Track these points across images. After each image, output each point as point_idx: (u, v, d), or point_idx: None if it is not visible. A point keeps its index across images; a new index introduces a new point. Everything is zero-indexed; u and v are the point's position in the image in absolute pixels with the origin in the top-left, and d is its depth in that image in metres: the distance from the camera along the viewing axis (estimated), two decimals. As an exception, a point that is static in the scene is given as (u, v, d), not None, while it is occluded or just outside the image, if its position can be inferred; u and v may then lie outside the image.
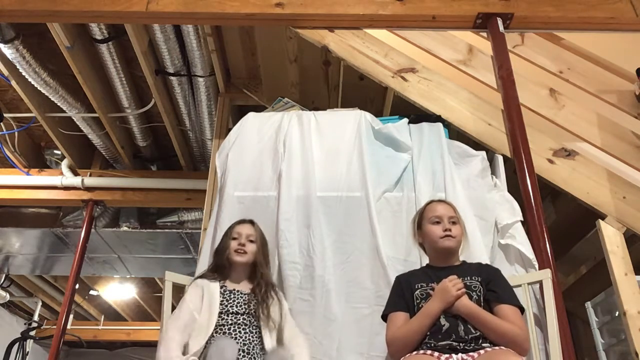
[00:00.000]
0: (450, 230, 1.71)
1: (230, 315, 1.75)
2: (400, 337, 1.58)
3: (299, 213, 2.14)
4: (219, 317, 1.73)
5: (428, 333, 1.55)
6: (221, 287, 1.82)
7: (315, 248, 2.06)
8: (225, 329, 1.72)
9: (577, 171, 2.29)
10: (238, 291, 1.82)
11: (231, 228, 1.95)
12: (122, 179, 4.30)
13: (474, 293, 1.59)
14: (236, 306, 1.77)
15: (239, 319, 1.74)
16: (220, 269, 1.88)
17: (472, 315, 1.53)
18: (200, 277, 1.89)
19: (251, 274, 1.89)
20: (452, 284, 1.56)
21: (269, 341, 1.74)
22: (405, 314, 1.65)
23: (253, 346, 1.71)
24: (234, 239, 1.89)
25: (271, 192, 2.21)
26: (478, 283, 1.62)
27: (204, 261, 2.12)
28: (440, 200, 1.87)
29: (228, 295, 1.80)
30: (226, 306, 1.76)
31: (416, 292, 1.66)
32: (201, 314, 1.74)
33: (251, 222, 1.97)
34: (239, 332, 1.72)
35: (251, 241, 1.90)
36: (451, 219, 1.74)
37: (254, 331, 1.74)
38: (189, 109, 3.75)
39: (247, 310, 1.77)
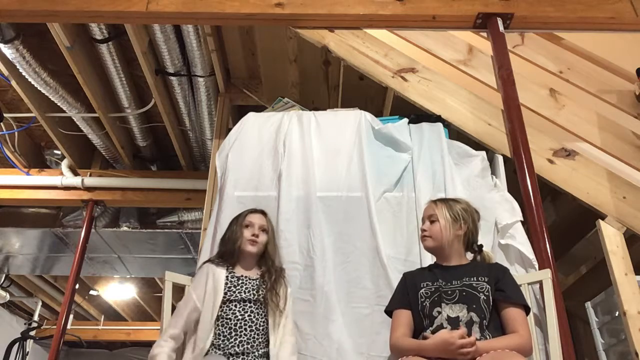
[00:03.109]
0: (425, 230, 1.74)
1: (239, 305, 1.75)
2: (400, 350, 1.59)
3: (299, 213, 2.14)
4: (225, 305, 1.75)
5: (430, 334, 1.55)
6: (229, 273, 1.82)
7: (315, 248, 2.06)
8: (231, 324, 1.72)
9: (577, 171, 2.29)
10: (246, 277, 1.83)
11: (242, 216, 1.94)
12: (122, 179, 4.29)
13: (481, 294, 1.59)
14: (244, 292, 1.79)
15: (247, 309, 1.75)
16: (228, 256, 1.88)
17: (479, 354, 1.46)
18: (208, 261, 1.89)
19: (259, 261, 1.91)
20: (460, 344, 1.44)
21: (274, 338, 1.75)
22: (408, 311, 1.67)
23: (257, 344, 1.72)
24: (246, 227, 1.90)
25: (271, 192, 2.21)
26: (485, 284, 1.61)
27: (204, 261, 2.12)
28: (430, 201, 1.85)
29: (236, 282, 1.81)
30: (234, 292, 1.78)
31: (421, 291, 1.67)
32: (205, 303, 1.75)
33: (263, 212, 1.99)
34: (244, 328, 1.73)
35: (263, 231, 1.92)
36: (430, 218, 1.75)
37: (260, 325, 1.75)
38: (189, 109, 3.75)
39: (257, 297, 1.79)
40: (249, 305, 1.77)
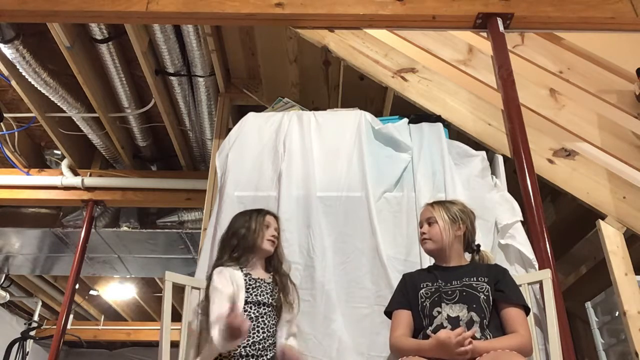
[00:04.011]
0: (424, 233, 1.74)
1: (254, 307, 1.75)
2: (399, 350, 1.59)
3: (299, 213, 2.14)
4: (246, 305, 1.74)
5: (429, 334, 1.55)
6: (246, 276, 1.80)
7: (316, 248, 2.06)
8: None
9: (577, 171, 2.29)
10: (262, 279, 1.83)
11: (262, 215, 1.91)
12: (122, 179, 4.29)
13: (481, 294, 1.59)
14: (261, 295, 1.78)
15: (261, 311, 1.75)
16: (244, 253, 1.85)
17: (479, 354, 1.46)
18: (222, 265, 1.85)
19: (267, 264, 1.90)
20: (456, 342, 1.44)
21: (283, 337, 1.78)
22: (408, 312, 1.67)
23: (267, 346, 1.73)
24: (267, 227, 1.89)
25: (271, 192, 2.21)
26: (485, 284, 1.61)
27: (204, 261, 2.12)
28: (426, 204, 1.84)
29: (254, 284, 1.80)
30: (251, 294, 1.76)
31: (421, 292, 1.67)
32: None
33: (276, 216, 1.99)
34: (257, 331, 1.73)
35: (278, 234, 1.93)
36: (428, 220, 1.75)
37: (270, 329, 1.76)
38: (189, 109, 3.75)
39: (271, 301, 1.79)
40: (263, 308, 1.76)
